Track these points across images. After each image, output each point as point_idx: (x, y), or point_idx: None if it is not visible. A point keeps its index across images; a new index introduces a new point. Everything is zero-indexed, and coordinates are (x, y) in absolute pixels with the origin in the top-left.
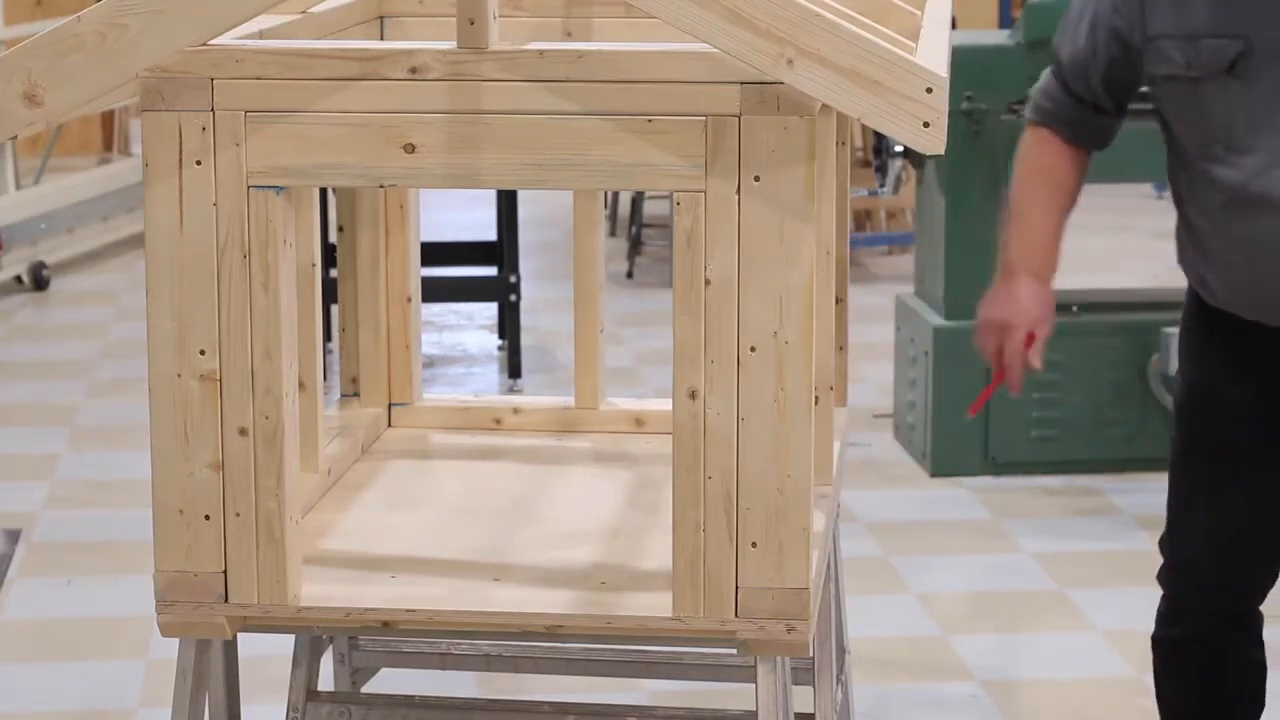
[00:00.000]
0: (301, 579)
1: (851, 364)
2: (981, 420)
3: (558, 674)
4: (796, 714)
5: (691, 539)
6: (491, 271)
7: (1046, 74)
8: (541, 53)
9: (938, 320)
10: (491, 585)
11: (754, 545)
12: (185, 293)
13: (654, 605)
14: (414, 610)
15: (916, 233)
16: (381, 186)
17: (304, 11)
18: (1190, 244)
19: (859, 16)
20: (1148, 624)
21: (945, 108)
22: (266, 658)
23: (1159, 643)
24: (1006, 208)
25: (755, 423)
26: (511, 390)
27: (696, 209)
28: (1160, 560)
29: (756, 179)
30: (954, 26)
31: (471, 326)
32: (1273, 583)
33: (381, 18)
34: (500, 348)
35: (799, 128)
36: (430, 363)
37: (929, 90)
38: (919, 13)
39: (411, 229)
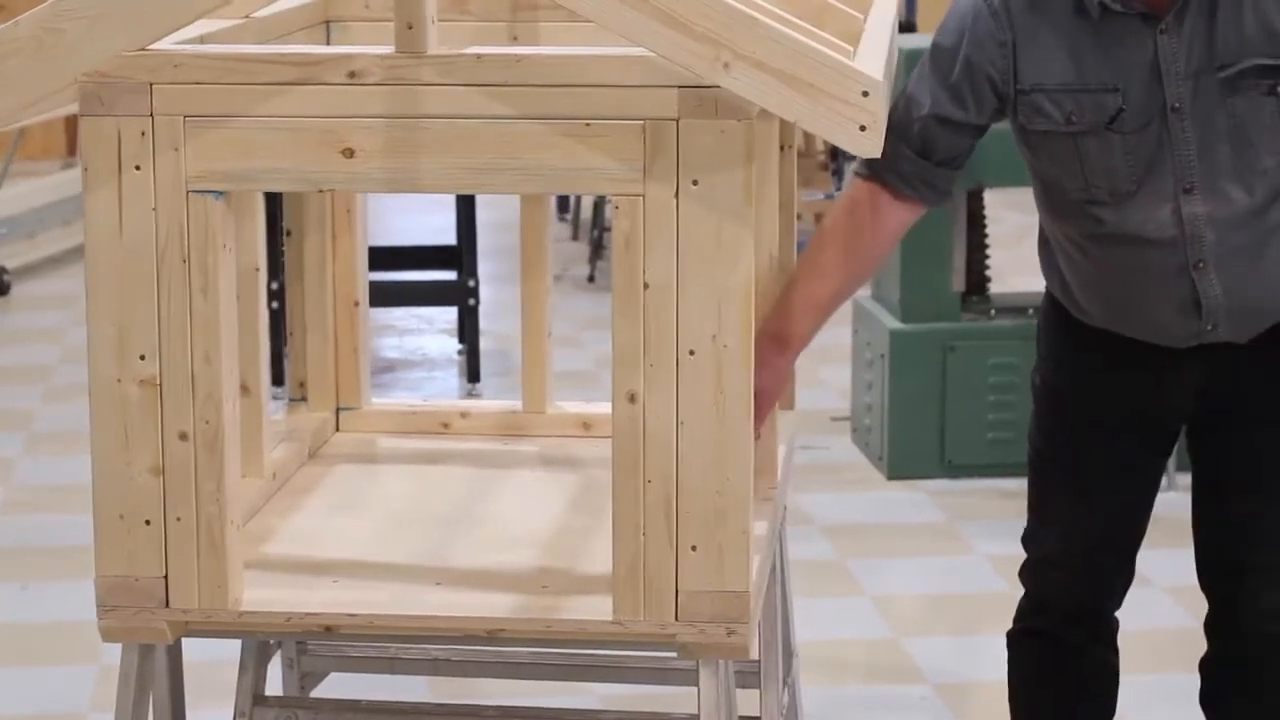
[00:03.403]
0: (243, 583)
1: (810, 367)
2: (938, 423)
3: (506, 678)
4: (743, 717)
5: (631, 542)
6: (451, 276)
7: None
8: (479, 57)
9: (894, 323)
10: (433, 589)
11: (694, 549)
12: (125, 297)
13: (594, 609)
14: (355, 614)
15: None
16: (320, 191)
17: (247, 16)
18: (1058, 262)
19: (797, 20)
20: None
21: (882, 111)
22: (218, 662)
23: (1013, 637)
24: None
25: (694, 426)
26: (470, 394)
27: (635, 213)
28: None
29: (695, 182)
30: (914, 30)
31: (432, 330)
32: (1127, 585)
33: (327, 22)
34: (460, 351)
35: (736, 131)
36: (390, 366)
37: (865, 94)
38: (861, 16)
39: (359, 233)
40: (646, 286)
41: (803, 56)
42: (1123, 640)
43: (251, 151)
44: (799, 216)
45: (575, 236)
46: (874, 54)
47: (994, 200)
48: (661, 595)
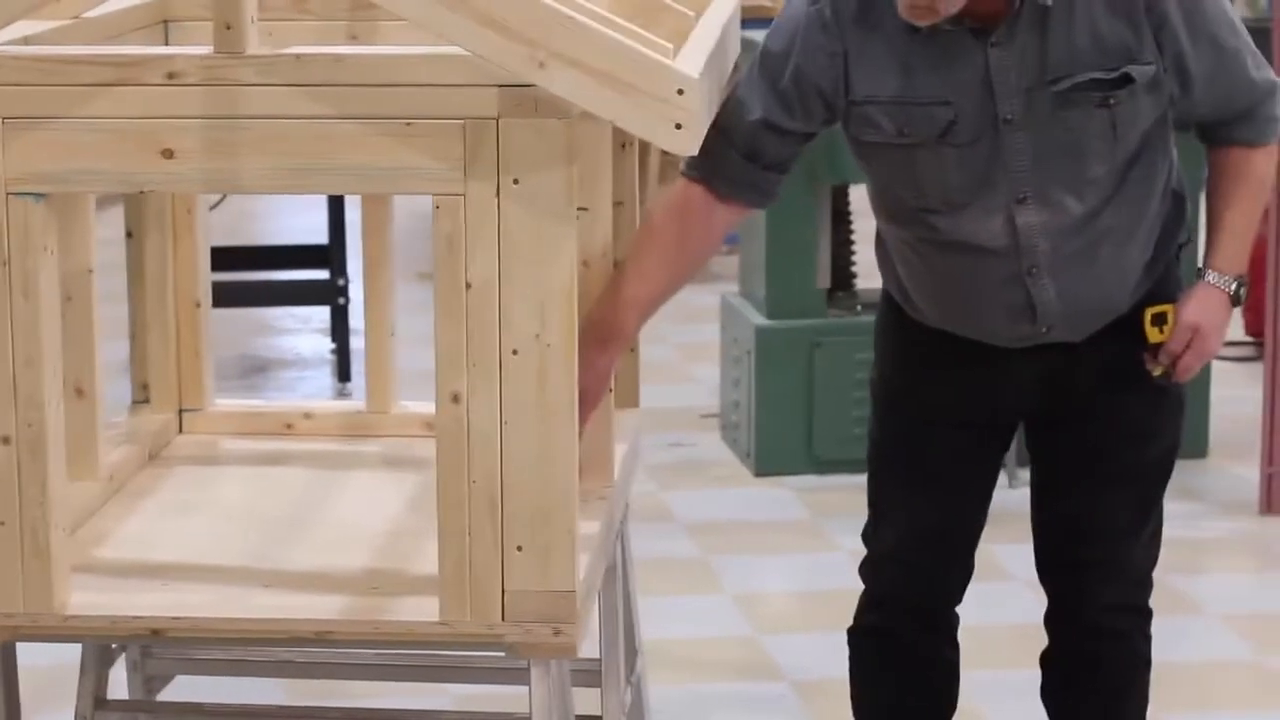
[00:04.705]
0: (69, 587)
1: (683, 363)
2: (805, 419)
3: (361, 680)
4: (586, 715)
5: (457, 543)
6: (325, 275)
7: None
8: (298, 57)
9: (760, 320)
10: (262, 591)
11: (519, 549)
12: None
13: (422, 610)
14: (180, 618)
15: (739, 233)
16: (141, 192)
17: (76, 16)
18: (892, 263)
19: (618, 20)
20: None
21: (699, 108)
22: (64, 666)
23: (853, 633)
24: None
25: (518, 426)
26: (341, 394)
27: (456, 213)
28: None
29: (516, 181)
30: None
31: (307, 330)
32: (966, 582)
33: (166, 22)
34: (333, 351)
35: (557, 130)
36: (263, 366)
37: (680, 91)
38: (693, 15)
39: (200, 233)
40: (469, 286)
41: (617, 55)
42: (981, 634)
43: (71, 153)
44: None
45: None
46: (696, 52)
47: (859, 196)
48: (487, 595)
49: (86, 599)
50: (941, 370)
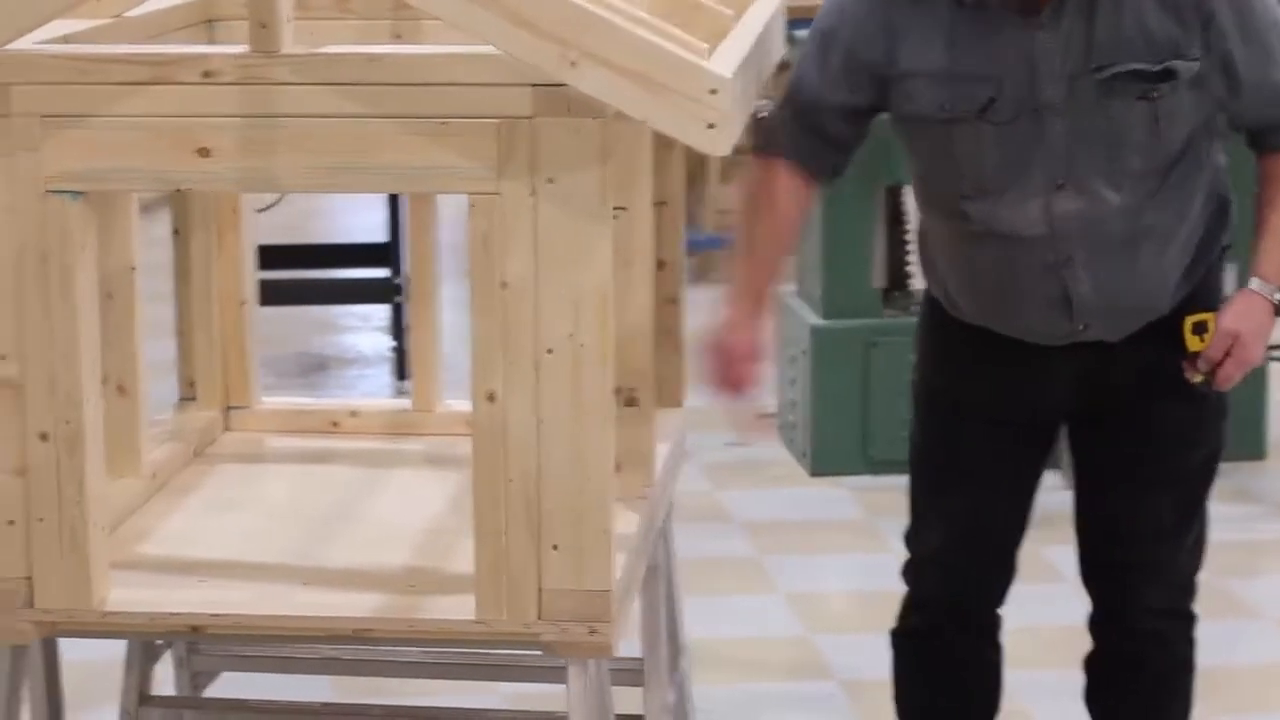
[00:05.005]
0: (108, 584)
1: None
2: (860, 419)
3: (400, 677)
4: (629, 714)
5: (493, 542)
6: (384, 273)
7: (774, 105)
8: (333, 56)
9: (815, 320)
10: (301, 589)
11: (555, 548)
12: None
13: (458, 608)
14: (219, 614)
15: None
16: (178, 190)
17: (118, 15)
18: (934, 259)
19: (652, 19)
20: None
21: (732, 108)
22: (114, 662)
23: (895, 635)
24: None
25: (553, 425)
26: (400, 392)
27: (491, 212)
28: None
29: (550, 181)
30: None
31: (368, 328)
32: (1008, 584)
33: (210, 21)
34: (393, 349)
35: (591, 129)
36: (324, 364)
37: (713, 91)
38: (732, 14)
39: (245, 232)
40: (504, 285)
41: (649, 54)
42: (1031, 635)
43: (107, 151)
44: None
45: None
46: (732, 52)
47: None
48: (524, 594)
49: (126, 595)
50: (978, 366)
